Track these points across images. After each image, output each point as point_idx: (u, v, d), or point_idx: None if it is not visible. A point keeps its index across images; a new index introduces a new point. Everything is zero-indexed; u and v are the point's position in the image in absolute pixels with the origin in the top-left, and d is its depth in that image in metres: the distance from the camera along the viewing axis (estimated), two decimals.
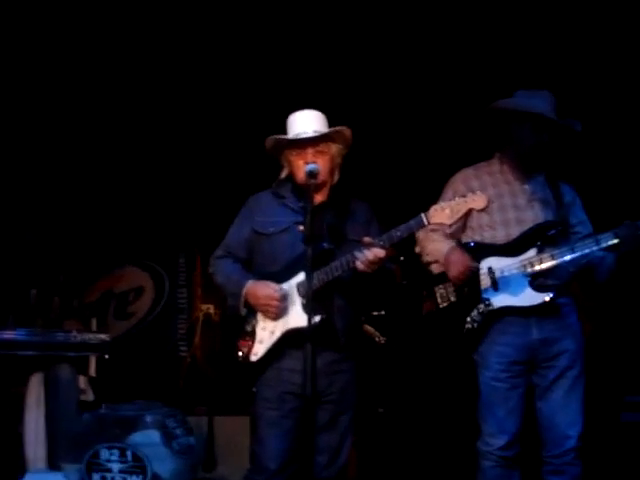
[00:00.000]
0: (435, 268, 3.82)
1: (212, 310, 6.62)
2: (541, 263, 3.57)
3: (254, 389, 3.63)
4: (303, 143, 3.51)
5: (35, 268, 5.06)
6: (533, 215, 3.71)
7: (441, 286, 3.80)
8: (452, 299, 3.74)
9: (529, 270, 3.58)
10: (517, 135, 3.76)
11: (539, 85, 3.80)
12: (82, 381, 4.90)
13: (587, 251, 3.52)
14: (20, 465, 4.49)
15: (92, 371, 5.00)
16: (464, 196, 3.27)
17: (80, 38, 5.37)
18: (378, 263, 3.28)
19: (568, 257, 3.55)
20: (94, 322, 5.49)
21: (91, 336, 4.63)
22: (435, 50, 5.34)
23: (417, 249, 3.93)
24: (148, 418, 2.16)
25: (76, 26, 5.21)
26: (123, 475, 2.11)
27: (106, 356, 4.68)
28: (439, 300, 3.79)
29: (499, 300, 3.62)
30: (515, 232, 3.68)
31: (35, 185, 6.12)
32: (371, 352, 5.56)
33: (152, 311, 7.36)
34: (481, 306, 3.64)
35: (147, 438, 2.12)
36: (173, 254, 7.40)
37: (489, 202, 3.31)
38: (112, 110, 6.03)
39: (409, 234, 3.32)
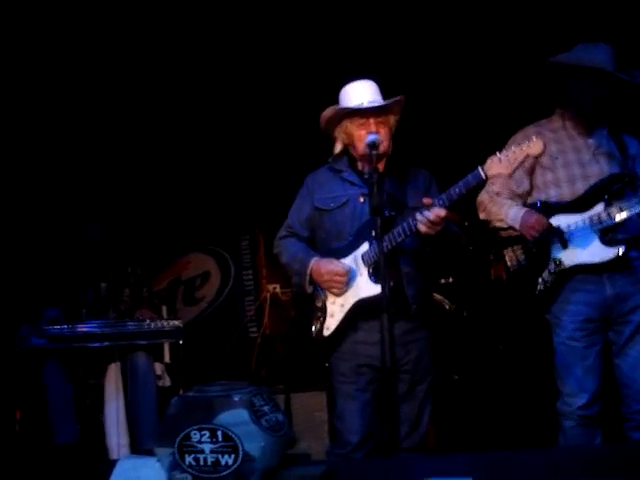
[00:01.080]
0: (507, 234, 3.76)
1: (278, 290, 6.68)
2: (610, 217, 3.51)
3: (327, 364, 3.66)
4: (366, 113, 3.50)
5: (103, 262, 5.15)
6: (598, 169, 3.64)
7: (509, 249, 3.78)
8: (522, 261, 3.71)
9: (598, 225, 3.53)
10: (577, 90, 3.68)
11: (598, 37, 3.69)
12: (158, 368, 5.00)
13: None
14: (103, 454, 4.62)
15: (167, 357, 5.09)
16: (520, 144, 3.20)
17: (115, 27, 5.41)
18: (440, 223, 3.24)
19: (637, 210, 3.48)
20: (164, 309, 5.56)
21: (165, 323, 4.69)
22: (492, 6, 5.23)
23: (482, 215, 3.87)
24: (236, 397, 2.17)
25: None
26: (215, 455, 2.13)
27: (180, 342, 4.76)
28: (509, 263, 3.76)
29: (570, 258, 3.58)
30: (581, 188, 3.62)
31: (96, 180, 6.20)
32: (442, 320, 5.55)
33: (220, 295, 7.43)
34: (552, 266, 3.61)
35: (236, 417, 2.13)
36: (236, 237, 7.45)
37: (546, 148, 3.22)
38: (167, 97, 6.06)
39: (468, 189, 3.24)
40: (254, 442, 2.11)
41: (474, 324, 5.67)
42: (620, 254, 3.48)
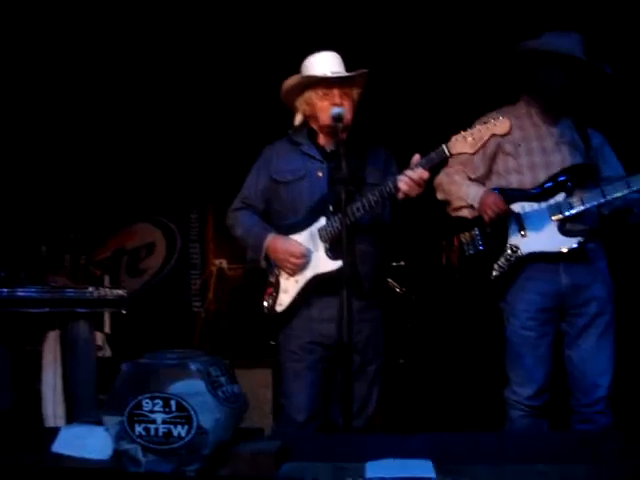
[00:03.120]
0: (467, 213, 3.72)
1: (225, 265, 6.59)
2: (570, 208, 3.49)
3: (272, 342, 3.60)
4: (331, 84, 3.44)
5: (44, 225, 5.02)
6: (561, 158, 3.61)
7: (466, 233, 3.74)
8: (479, 246, 3.68)
9: (557, 214, 3.50)
10: (545, 77, 3.63)
11: (566, 27, 3.66)
12: (99, 338, 4.87)
13: (618, 194, 3.44)
14: (38, 423, 4.48)
15: (107, 327, 4.97)
16: (486, 122, 3.15)
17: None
18: (422, 185, 3.18)
19: (598, 201, 3.47)
20: (107, 279, 5.44)
21: (108, 292, 4.57)
22: None
23: (441, 195, 3.85)
24: (192, 366, 2.07)
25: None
26: (167, 426, 2.03)
27: (123, 311, 4.64)
28: (465, 247, 3.72)
29: (527, 246, 3.55)
30: (542, 176, 3.59)
31: (44, 142, 6.04)
32: (391, 303, 5.53)
33: (164, 267, 7.33)
34: (508, 253, 3.58)
35: (191, 387, 2.03)
36: (185, 209, 7.36)
37: (511, 128, 3.17)
38: (120, 70, 5.94)
39: (431, 167, 3.20)
40: (209, 414, 2.02)
41: (423, 309, 5.67)
42: (577, 245, 3.46)
